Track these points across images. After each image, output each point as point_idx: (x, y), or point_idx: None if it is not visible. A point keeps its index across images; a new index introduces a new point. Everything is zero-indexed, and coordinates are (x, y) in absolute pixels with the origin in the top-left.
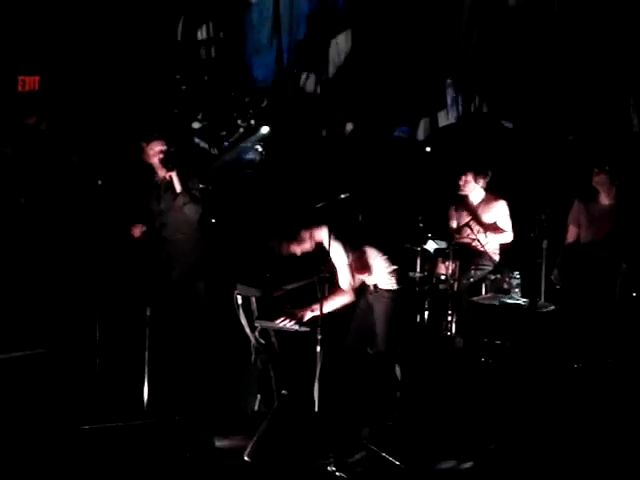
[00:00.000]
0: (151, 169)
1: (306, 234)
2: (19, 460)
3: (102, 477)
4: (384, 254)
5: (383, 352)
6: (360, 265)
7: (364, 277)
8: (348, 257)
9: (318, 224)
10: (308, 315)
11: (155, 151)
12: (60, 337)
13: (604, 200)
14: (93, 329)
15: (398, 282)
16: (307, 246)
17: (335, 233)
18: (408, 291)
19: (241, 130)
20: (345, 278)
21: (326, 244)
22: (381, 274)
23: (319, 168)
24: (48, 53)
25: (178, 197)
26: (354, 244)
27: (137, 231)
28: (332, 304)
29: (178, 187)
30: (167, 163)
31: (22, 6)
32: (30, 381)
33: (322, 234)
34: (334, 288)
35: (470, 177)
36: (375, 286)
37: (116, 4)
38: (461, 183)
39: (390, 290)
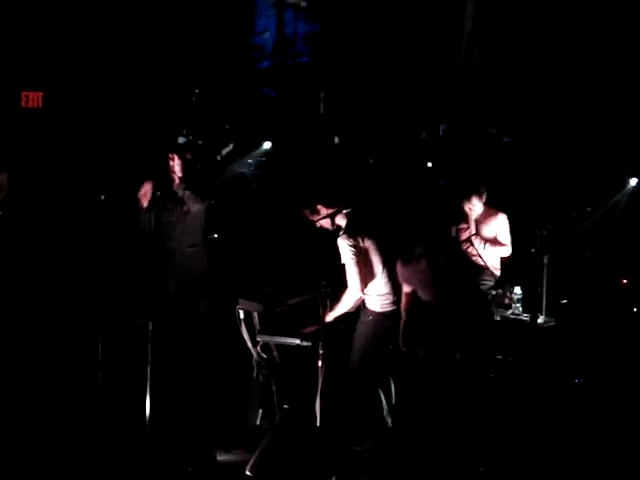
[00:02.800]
0: (168, 181)
1: (322, 209)
2: (21, 474)
3: None
4: (384, 264)
5: (355, 369)
6: (364, 259)
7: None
8: (356, 253)
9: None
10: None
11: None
12: (62, 352)
13: None
14: (95, 344)
15: (383, 307)
16: (324, 224)
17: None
18: (391, 320)
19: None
20: (350, 274)
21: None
22: (373, 289)
23: (319, 183)
24: (52, 69)
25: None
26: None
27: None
28: (341, 306)
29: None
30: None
31: (26, 22)
32: (32, 396)
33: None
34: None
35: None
36: (364, 302)
37: (120, 19)
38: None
39: (374, 311)
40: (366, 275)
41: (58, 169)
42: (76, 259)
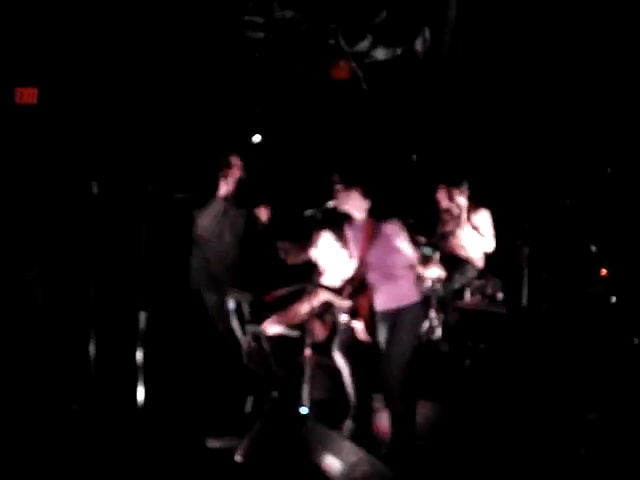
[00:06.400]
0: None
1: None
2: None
3: (95, 477)
4: None
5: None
6: None
7: None
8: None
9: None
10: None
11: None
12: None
13: None
14: (88, 330)
15: None
16: None
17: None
18: None
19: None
20: None
21: None
22: None
23: (308, 175)
24: (47, 64)
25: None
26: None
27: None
28: None
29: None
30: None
31: (20, 17)
32: (24, 381)
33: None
34: None
35: (443, 192)
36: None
37: (116, 14)
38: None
39: None
40: None
41: (53, 166)
42: (69, 254)
